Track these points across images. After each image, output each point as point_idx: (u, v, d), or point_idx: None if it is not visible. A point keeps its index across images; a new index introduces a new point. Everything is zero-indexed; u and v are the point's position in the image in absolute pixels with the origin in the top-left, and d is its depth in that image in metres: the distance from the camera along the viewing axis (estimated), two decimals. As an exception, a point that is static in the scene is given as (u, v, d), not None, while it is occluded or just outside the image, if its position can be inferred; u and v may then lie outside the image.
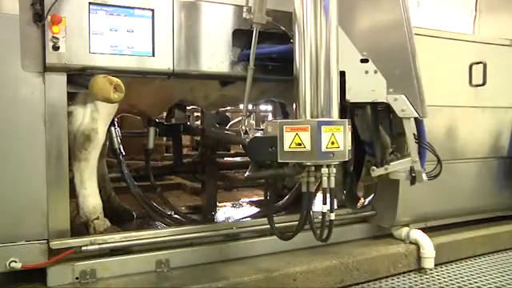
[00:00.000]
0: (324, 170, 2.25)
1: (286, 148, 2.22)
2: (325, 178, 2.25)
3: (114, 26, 2.41)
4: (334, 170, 2.27)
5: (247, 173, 2.51)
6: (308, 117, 2.28)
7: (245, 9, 2.57)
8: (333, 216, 2.34)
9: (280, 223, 2.98)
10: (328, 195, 2.29)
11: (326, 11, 2.30)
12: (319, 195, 3.60)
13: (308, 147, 2.18)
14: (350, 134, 2.31)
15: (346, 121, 2.29)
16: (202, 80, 3.08)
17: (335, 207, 2.54)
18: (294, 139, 2.20)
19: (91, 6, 2.35)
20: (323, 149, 2.18)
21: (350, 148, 2.30)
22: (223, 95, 3.28)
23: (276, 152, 2.24)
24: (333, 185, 2.28)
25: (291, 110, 3.92)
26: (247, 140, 2.45)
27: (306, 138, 2.18)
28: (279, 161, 2.25)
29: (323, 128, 2.18)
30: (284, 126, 2.23)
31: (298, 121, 2.28)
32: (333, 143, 2.20)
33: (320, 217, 3.12)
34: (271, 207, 2.72)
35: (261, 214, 3.57)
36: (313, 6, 2.28)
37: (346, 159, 2.29)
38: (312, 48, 2.29)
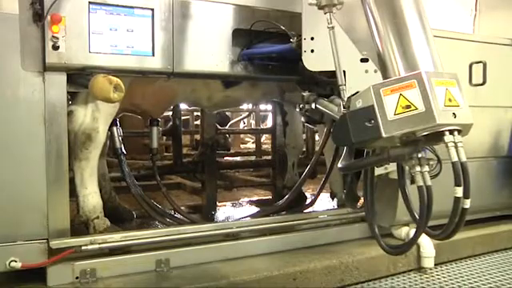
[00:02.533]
0: (448, 138, 1.71)
1: (391, 116, 1.69)
2: (452, 149, 1.72)
3: (113, 25, 2.41)
4: (460, 138, 1.74)
5: (339, 164, 1.99)
6: (403, 74, 1.80)
7: None
8: (468, 204, 1.79)
9: (280, 223, 3.00)
10: (461, 172, 1.74)
11: None
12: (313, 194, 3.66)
13: (421, 107, 1.66)
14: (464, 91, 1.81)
15: (457, 74, 1.84)
16: (203, 80, 3.08)
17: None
18: (398, 102, 1.70)
19: (91, 6, 2.35)
20: (441, 106, 1.67)
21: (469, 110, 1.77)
22: (227, 96, 3.28)
23: (377, 125, 1.71)
24: (464, 158, 1.75)
25: (289, 109, 3.93)
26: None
27: (414, 96, 1.68)
28: (384, 135, 1.71)
29: (434, 81, 1.70)
30: (381, 90, 1.73)
31: (397, 78, 1.76)
32: (450, 100, 1.71)
33: (322, 216, 3.19)
34: (373, 212, 2.12)
35: (261, 214, 3.57)
36: None
37: (471, 121, 1.80)
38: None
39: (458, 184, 1.73)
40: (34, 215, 2.31)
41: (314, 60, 2.48)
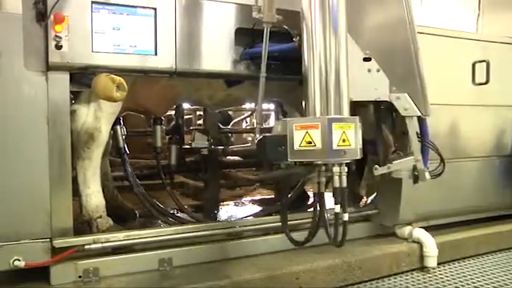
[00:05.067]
0: (335, 169, 2.20)
1: (296, 147, 2.16)
2: (336, 177, 2.20)
3: (116, 24, 2.41)
4: (346, 169, 2.22)
5: (259, 175, 2.42)
6: (318, 114, 2.24)
7: (254, 8, 2.53)
8: (346, 217, 2.26)
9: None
10: (340, 195, 2.22)
11: (334, 8, 2.27)
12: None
13: (319, 145, 2.12)
14: (360, 131, 2.26)
15: (357, 118, 2.24)
16: (206, 79, 3.08)
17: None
18: (304, 138, 2.15)
19: (94, 5, 2.35)
20: (334, 147, 2.13)
21: (361, 146, 2.26)
22: (229, 95, 3.28)
23: (286, 151, 2.18)
24: (344, 184, 2.22)
25: (289, 108, 3.92)
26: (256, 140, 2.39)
27: (316, 136, 2.13)
28: (289, 160, 2.20)
29: (334, 125, 2.13)
30: (294, 125, 2.18)
31: (307, 119, 2.23)
32: (344, 141, 2.15)
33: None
34: (285, 209, 2.57)
35: (264, 213, 3.57)
36: (320, 4, 2.26)
37: (358, 157, 2.24)
38: (321, 45, 2.26)
39: (336, 203, 2.22)
40: (37, 214, 2.32)
41: (316, 59, 2.49)
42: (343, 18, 2.31)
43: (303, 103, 2.35)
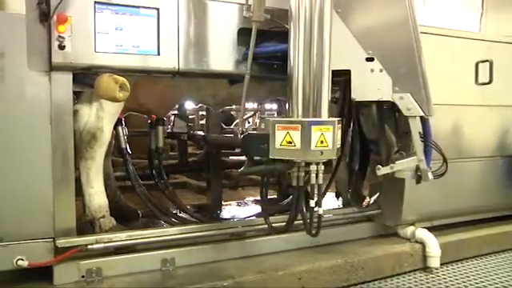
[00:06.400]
0: (313, 167, 2.33)
1: (278, 145, 2.29)
2: (313, 175, 2.34)
3: (119, 25, 2.42)
4: (323, 167, 2.37)
5: (242, 168, 2.59)
6: (299, 116, 2.34)
7: (245, 7, 2.57)
8: (321, 211, 2.43)
9: (285, 222, 3.00)
10: (316, 191, 2.38)
11: (321, 11, 2.32)
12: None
13: (298, 146, 2.25)
14: (339, 132, 2.40)
15: (336, 120, 2.34)
16: (209, 79, 3.08)
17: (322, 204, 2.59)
18: (285, 137, 2.28)
19: (97, 5, 2.36)
20: (312, 147, 2.26)
21: (338, 146, 2.40)
22: (231, 94, 3.28)
23: (268, 149, 2.31)
24: (321, 181, 2.38)
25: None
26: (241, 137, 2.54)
27: (296, 136, 2.26)
28: (270, 157, 2.32)
29: (313, 128, 2.26)
30: (276, 125, 2.30)
31: (289, 120, 2.34)
32: (322, 142, 2.28)
33: (327, 216, 3.19)
34: (266, 202, 2.80)
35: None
36: (309, 5, 2.31)
37: (335, 157, 2.40)
38: (305, 48, 2.33)
39: (312, 198, 2.38)
40: (40, 214, 2.32)
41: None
42: (328, 20, 2.35)
43: (287, 102, 2.44)
